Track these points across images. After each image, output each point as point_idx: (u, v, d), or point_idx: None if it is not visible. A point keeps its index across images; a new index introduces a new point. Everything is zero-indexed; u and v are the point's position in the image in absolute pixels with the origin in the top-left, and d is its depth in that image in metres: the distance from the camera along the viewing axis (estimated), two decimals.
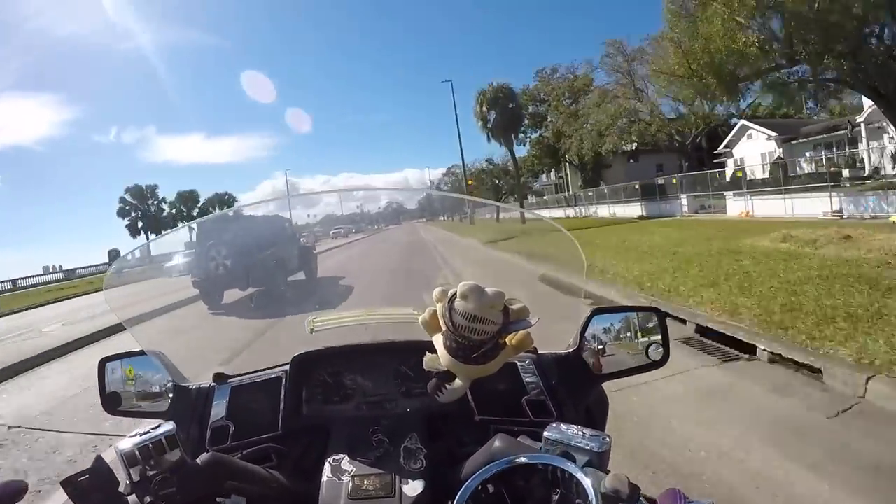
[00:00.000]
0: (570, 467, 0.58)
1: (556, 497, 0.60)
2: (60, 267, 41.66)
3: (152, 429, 0.65)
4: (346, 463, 0.84)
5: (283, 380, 1.02)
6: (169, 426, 0.66)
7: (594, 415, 1.02)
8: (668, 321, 1.09)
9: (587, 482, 0.54)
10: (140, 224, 49.84)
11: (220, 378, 1.05)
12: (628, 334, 1.04)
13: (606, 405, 1.05)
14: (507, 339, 0.79)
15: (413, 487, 0.79)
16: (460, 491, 0.59)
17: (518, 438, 0.72)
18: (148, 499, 0.61)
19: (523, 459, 0.62)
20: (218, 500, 0.72)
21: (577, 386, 0.99)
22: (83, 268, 40.38)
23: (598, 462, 0.61)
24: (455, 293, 0.75)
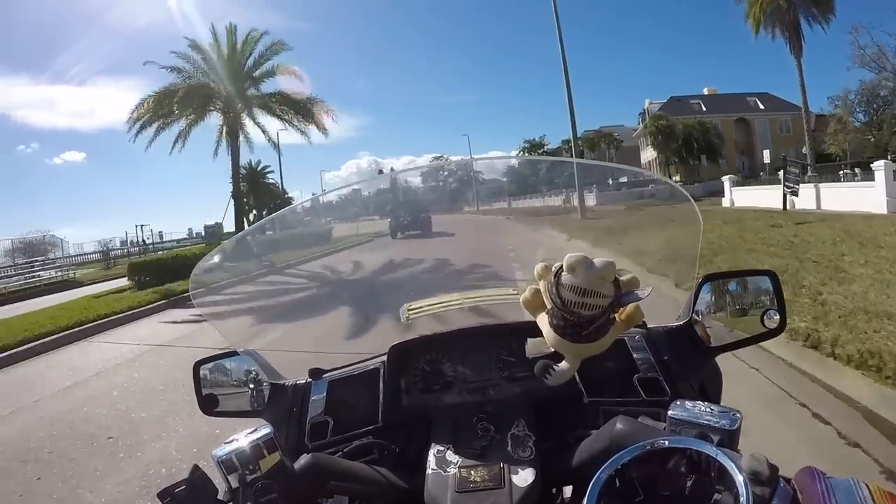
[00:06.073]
0: (712, 451, 0.52)
1: (689, 483, 0.54)
2: (161, 234, 38.49)
3: (249, 433, 0.64)
4: (450, 454, 0.81)
5: (381, 371, 1.01)
6: (267, 430, 0.65)
7: (708, 390, 0.94)
8: None
9: (732, 467, 0.49)
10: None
11: (316, 374, 1.05)
12: (740, 302, 0.95)
13: (720, 380, 0.97)
14: (616, 314, 0.74)
15: (523, 477, 0.75)
16: (591, 482, 0.53)
17: (638, 419, 0.66)
18: None
19: (665, 443, 0.55)
20: (319, 500, 0.71)
21: (690, 360, 0.92)
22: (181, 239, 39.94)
23: (730, 441, 0.55)
24: (561, 267, 0.71)
